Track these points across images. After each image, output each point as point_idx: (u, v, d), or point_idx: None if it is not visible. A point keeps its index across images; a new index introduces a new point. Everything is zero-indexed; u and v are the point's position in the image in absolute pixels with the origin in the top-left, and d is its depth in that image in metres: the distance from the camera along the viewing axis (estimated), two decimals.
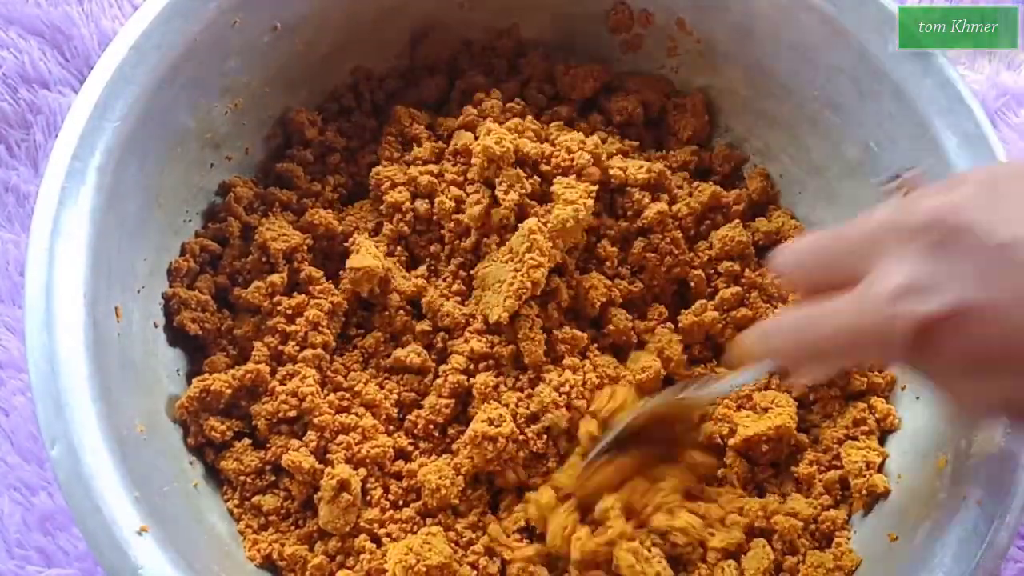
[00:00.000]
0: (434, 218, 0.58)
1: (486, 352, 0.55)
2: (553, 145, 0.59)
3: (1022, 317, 0.35)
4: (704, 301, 0.59)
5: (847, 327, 0.39)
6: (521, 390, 0.55)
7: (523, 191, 0.57)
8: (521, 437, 0.53)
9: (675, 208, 0.60)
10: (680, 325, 0.59)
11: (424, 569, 0.48)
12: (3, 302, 0.63)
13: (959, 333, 0.36)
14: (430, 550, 0.49)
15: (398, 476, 0.54)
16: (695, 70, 0.64)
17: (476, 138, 0.59)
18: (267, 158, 0.62)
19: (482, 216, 0.57)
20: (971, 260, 0.36)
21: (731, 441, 0.56)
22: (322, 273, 0.57)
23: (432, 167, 0.59)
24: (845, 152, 0.59)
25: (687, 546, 0.51)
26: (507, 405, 0.54)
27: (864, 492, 0.53)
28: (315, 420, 0.53)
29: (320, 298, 0.56)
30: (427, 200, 0.58)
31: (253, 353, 0.55)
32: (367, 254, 0.56)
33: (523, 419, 0.54)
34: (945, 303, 0.36)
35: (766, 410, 0.56)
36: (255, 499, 0.53)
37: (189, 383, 0.54)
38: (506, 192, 0.56)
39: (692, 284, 0.60)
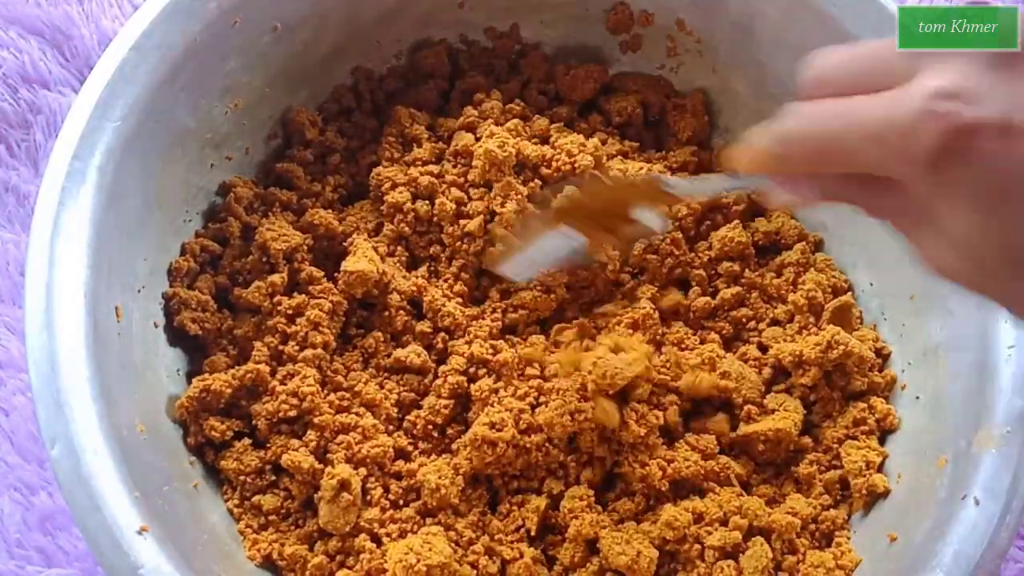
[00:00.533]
0: (434, 219, 0.58)
1: (487, 358, 0.55)
2: (554, 148, 0.59)
3: None
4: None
5: (876, 119, 0.35)
6: (522, 398, 0.55)
7: (519, 198, 0.57)
8: (521, 443, 0.53)
9: (675, 209, 0.61)
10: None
11: (424, 569, 0.48)
12: (3, 302, 0.63)
13: (993, 150, 0.33)
14: (430, 550, 0.49)
15: (398, 476, 0.54)
16: (695, 70, 0.64)
17: (477, 139, 0.59)
18: (267, 158, 0.62)
19: (483, 227, 0.57)
20: None
21: (731, 435, 0.56)
22: (322, 273, 0.57)
23: (432, 167, 0.59)
24: None
25: (681, 542, 0.51)
26: (510, 410, 0.53)
27: (864, 492, 0.53)
28: (315, 420, 0.53)
29: (320, 298, 0.56)
30: (428, 201, 0.58)
31: (253, 353, 0.55)
32: (363, 257, 0.56)
33: (525, 425, 0.53)
34: (990, 112, 0.33)
35: (773, 411, 0.56)
36: (255, 499, 0.53)
37: (189, 383, 0.54)
38: (502, 204, 0.56)
39: (693, 284, 0.60)
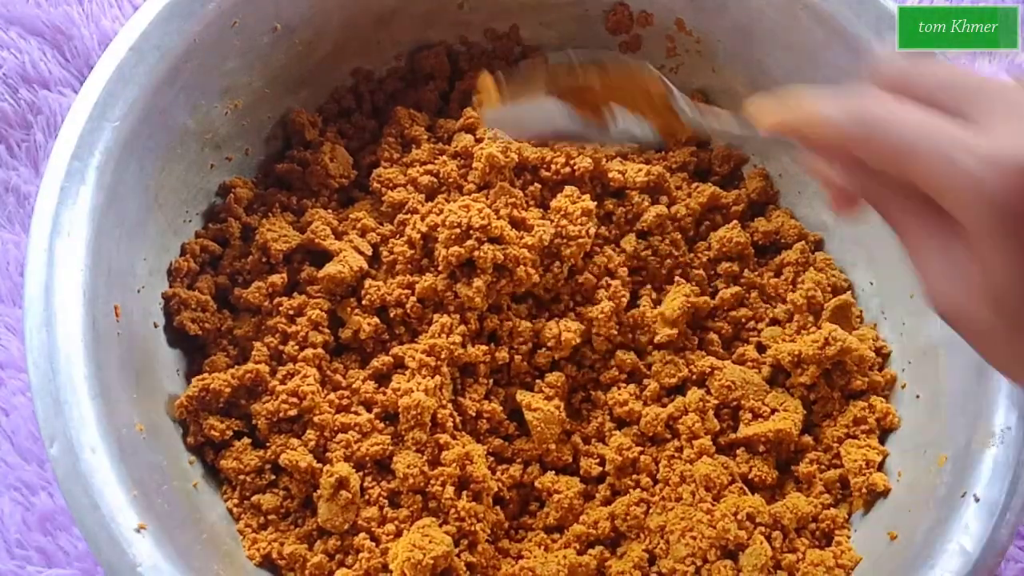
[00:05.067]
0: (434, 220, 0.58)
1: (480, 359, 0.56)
2: (553, 151, 0.59)
3: None
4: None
5: (970, 154, 0.34)
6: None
7: (514, 203, 0.57)
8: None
9: (674, 209, 0.61)
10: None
11: (431, 562, 0.49)
12: (3, 302, 0.63)
13: None
14: (431, 542, 0.49)
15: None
16: (694, 71, 0.64)
17: (477, 141, 0.59)
18: (267, 159, 0.62)
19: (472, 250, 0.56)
20: None
21: (731, 436, 0.56)
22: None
23: (431, 166, 0.59)
24: None
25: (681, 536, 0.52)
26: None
27: (864, 490, 0.53)
28: (315, 419, 0.53)
29: (319, 298, 0.56)
30: (427, 201, 0.58)
31: (253, 353, 0.55)
32: (338, 263, 0.56)
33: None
34: None
35: (774, 411, 0.56)
36: (254, 498, 0.53)
37: (189, 383, 0.54)
38: (498, 209, 0.57)
39: (692, 284, 0.60)
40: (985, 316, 0.36)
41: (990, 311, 0.36)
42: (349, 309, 0.56)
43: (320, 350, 0.55)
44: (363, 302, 0.56)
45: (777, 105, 0.40)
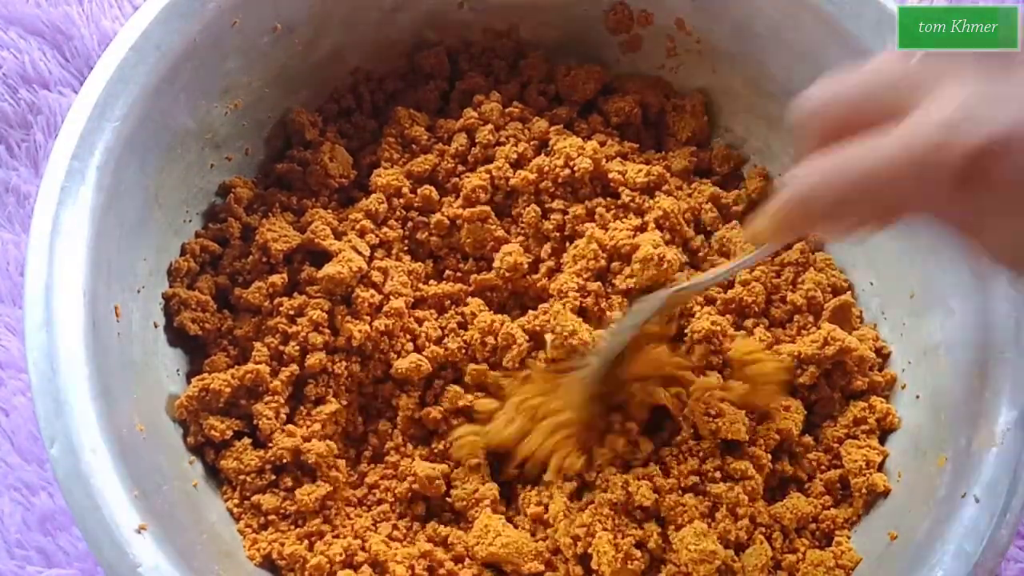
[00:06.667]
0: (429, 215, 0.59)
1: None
2: (552, 152, 0.59)
3: None
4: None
5: (891, 160, 0.34)
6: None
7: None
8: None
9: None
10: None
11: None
12: (3, 302, 0.63)
13: (1015, 158, 0.32)
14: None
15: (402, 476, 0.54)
16: (694, 71, 0.64)
17: (475, 143, 0.59)
18: (267, 159, 0.62)
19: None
20: None
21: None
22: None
23: (430, 157, 0.60)
24: None
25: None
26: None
27: (864, 491, 0.53)
28: None
29: (319, 298, 0.56)
30: (428, 186, 0.59)
31: (253, 353, 0.55)
32: (338, 264, 0.56)
33: None
34: (1002, 123, 0.33)
35: (774, 411, 0.56)
36: (254, 498, 0.53)
37: (189, 383, 0.54)
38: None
39: None
40: None
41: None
42: (340, 317, 0.56)
43: (321, 351, 0.55)
44: (355, 308, 0.56)
45: (763, 222, 0.41)
